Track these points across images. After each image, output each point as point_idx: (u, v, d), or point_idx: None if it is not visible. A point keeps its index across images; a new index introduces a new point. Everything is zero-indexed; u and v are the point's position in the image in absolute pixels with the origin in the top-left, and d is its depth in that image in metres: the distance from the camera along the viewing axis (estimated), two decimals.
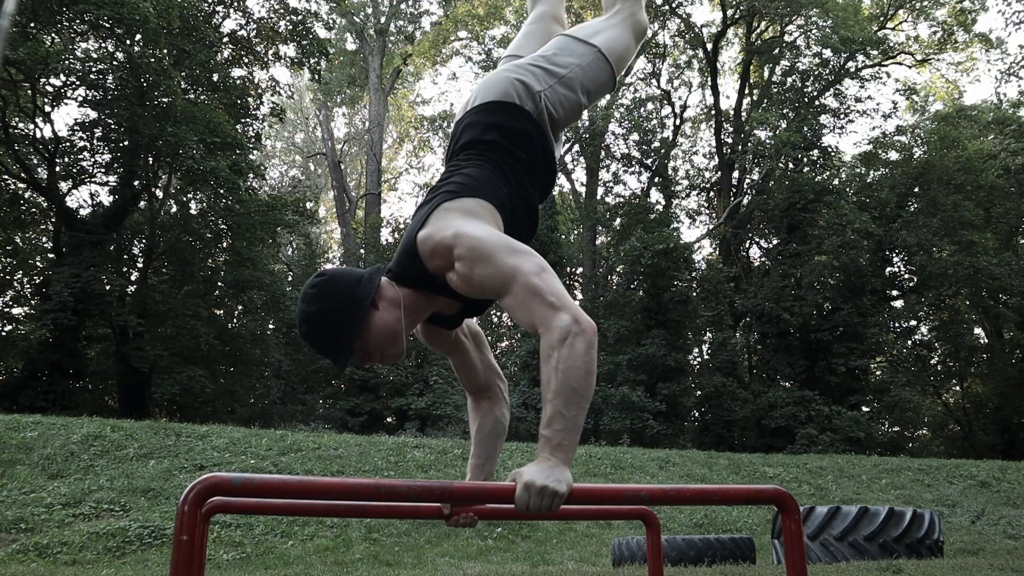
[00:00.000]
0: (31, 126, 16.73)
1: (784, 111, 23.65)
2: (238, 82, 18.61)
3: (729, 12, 24.03)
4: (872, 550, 5.55)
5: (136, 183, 17.19)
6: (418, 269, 1.69)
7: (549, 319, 1.52)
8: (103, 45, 16.24)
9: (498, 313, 29.88)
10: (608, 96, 26.11)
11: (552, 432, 1.49)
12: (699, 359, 23.73)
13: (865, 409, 20.23)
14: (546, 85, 1.96)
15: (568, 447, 1.49)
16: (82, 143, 16.81)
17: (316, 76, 20.74)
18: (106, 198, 17.50)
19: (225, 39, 18.92)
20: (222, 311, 20.22)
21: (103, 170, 17.31)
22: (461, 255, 1.61)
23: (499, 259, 1.59)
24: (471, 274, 1.61)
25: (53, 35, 16.07)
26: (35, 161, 17.22)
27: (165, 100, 15.63)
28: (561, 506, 1.46)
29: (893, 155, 23.84)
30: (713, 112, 25.05)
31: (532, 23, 2.36)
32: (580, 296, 24.40)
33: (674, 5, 24.20)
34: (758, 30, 24.99)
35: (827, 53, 23.46)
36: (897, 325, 23.45)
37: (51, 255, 17.66)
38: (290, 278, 23.61)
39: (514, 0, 25.69)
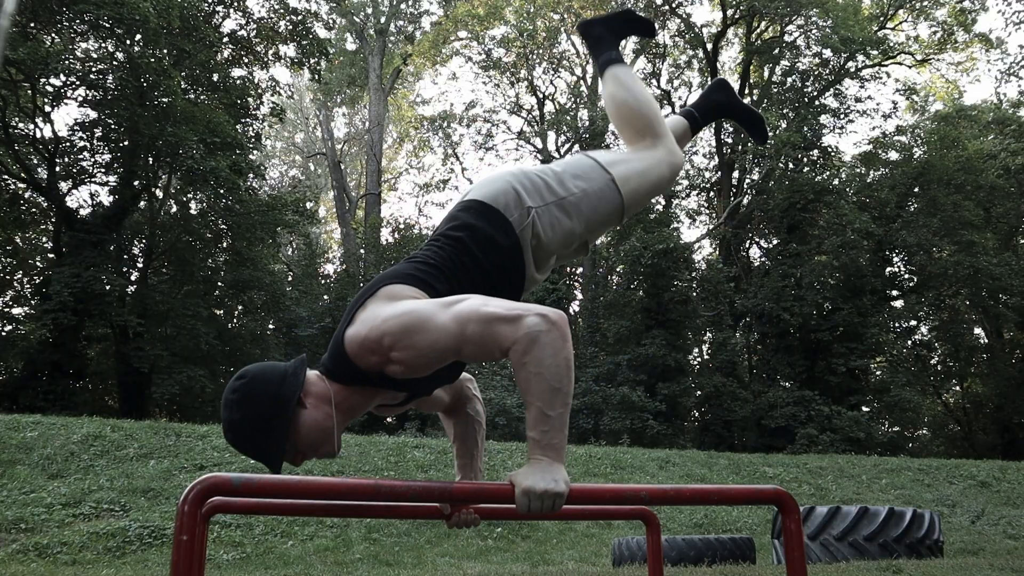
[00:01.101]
0: (31, 126, 16.74)
1: (784, 111, 23.65)
2: (238, 82, 18.61)
3: (729, 12, 24.03)
4: (872, 550, 5.55)
5: (136, 183, 17.19)
6: (350, 368, 1.58)
7: (512, 330, 1.48)
8: (103, 45, 16.24)
9: None
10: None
11: (540, 433, 1.48)
12: (699, 359, 23.73)
13: (865, 409, 20.22)
14: (541, 202, 1.82)
15: (559, 445, 1.49)
16: (82, 143, 16.82)
17: (316, 76, 20.74)
18: (106, 198, 17.52)
19: (225, 39, 18.92)
20: (222, 311, 20.21)
21: (103, 170, 17.32)
22: (394, 342, 1.51)
23: (436, 318, 1.51)
24: (416, 351, 1.52)
25: (53, 35, 16.07)
26: (35, 161, 17.23)
27: (165, 100, 15.63)
28: (559, 509, 1.46)
29: (893, 155, 23.84)
30: None
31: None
32: (580, 296, 24.41)
33: (674, 5, 24.20)
34: (758, 30, 24.99)
35: (827, 53, 23.46)
36: (897, 325, 23.44)
37: (51, 255, 17.67)
38: (290, 278, 23.62)
39: (514, 0, 25.70)
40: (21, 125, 16.95)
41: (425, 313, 1.52)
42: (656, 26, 2.28)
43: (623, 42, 2.34)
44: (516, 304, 1.53)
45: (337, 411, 1.61)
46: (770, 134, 22.67)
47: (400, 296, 1.61)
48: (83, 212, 17.34)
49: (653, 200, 25.20)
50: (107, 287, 15.17)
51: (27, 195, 17.95)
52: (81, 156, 17.01)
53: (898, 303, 23.41)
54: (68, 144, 16.77)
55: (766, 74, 25.61)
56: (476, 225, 1.77)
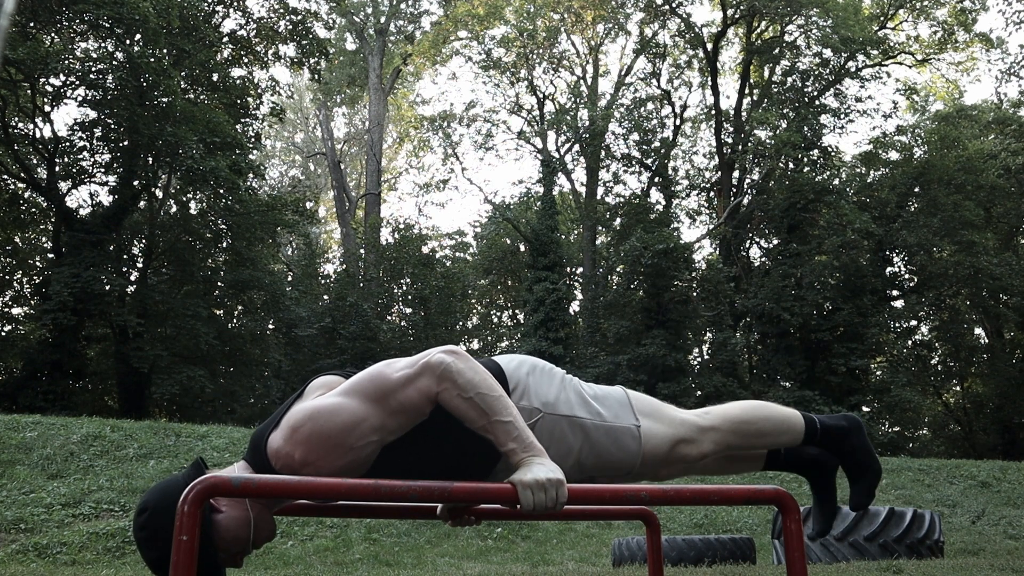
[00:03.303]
0: (31, 126, 16.74)
1: (784, 111, 23.64)
2: (238, 82, 18.62)
3: (729, 12, 24.02)
4: (872, 550, 5.55)
5: (136, 183, 17.19)
6: (269, 471, 1.52)
7: (430, 379, 1.48)
8: (103, 45, 16.23)
9: (497, 313, 29.89)
10: (607, 98, 26.04)
11: (514, 440, 1.48)
12: (699, 359, 23.73)
13: (865, 409, 20.22)
14: (554, 411, 1.71)
15: (530, 441, 1.49)
16: (82, 143, 16.82)
17: (316, 76, 20.74)
18: (106, 198, 17.52)
19: (225, 39, 18.92)
20: (222, 311, 20.21)
21: (103, 170, 17.32)
22: (305, 455, 1.47)
23: (347, 409, 1.48)
24: (336, 455, 1.47)
25: (53, 35, 16.07)
26: (35, 161, 17.23)
27: (165, 100, 15.63)
28: (565, 500, 1.46)
29: (893, 155, 23.84)
30: (713, 112, 25.04)
31: None
32: (580, 296, 24.41)
33: (674, 5, 24.19)
34: (758, 30, 24.98)
35: (827, 53, 23.45)
36: (897, 325, 23.44)
37: (51, 255, 17.67)
38: (290, 278, 23.61)
39: (514, 0, 25.69)
40: (21, 125, 16.95)
41: (335, 408, 1.49)
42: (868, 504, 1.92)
43: (832, 449, 2.01)
44: (412, 359, 1.54)
45: (254, 501, 1.54)
46: (770, 134, 22.82)
47: (323, 387, 1.59)
48: (83, 212, 17.35)
49: (653, 199, 25.11)
50: (107, 287, 15.17)
51: (27, 195, 17.95)
52: (81, 156, 17.01)
53: (898, 303, 23.41)
54: (68, 144, 16.77)
55: (766, 74, 25.60)
56: None
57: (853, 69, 23.85)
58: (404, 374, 1.51)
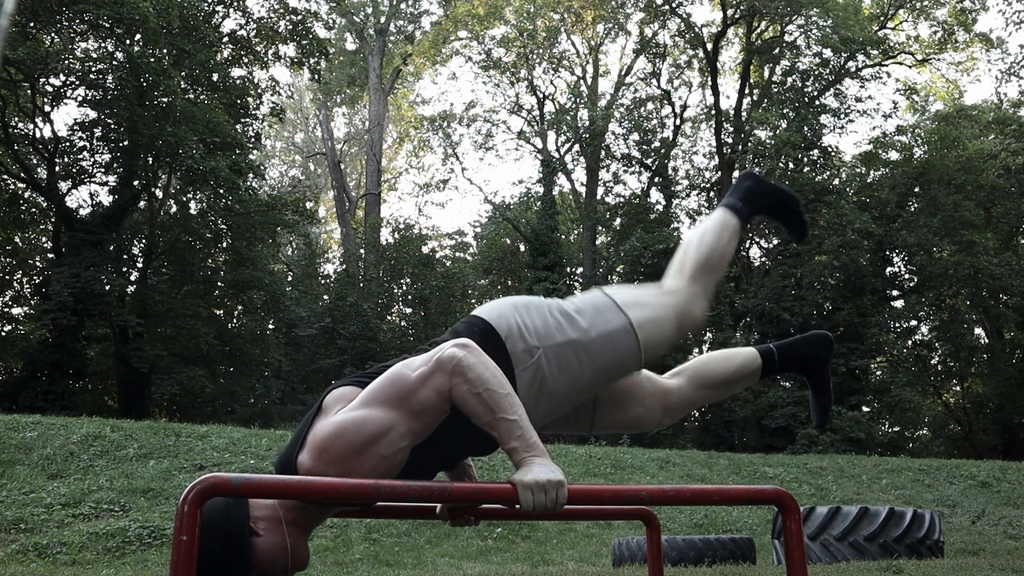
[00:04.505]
0: (31, 126, 16.74)
1: (784, 111, 23.64)
2: (238, 82, 18.61)
3: (729, 12, 24.02)
4: (872, 550, 5.55)
5: (136, 183, 17.19)
6: None
7: (443, 375, 1.49)
8: (103, 45, 16.24)
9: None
10: (607, 98, 26.02)
11: (517, 439, 1.49)
12: None
13: (865, 409, 20.22)
14: (551, 342, 1.72)
15: (534, 442, 1.50)
16: (82, 143, 16.82)
17: (316, 76, 20.74)
18: (106, 198, 17.52)
19: (225, 39, 18.93)
20: (222, 311, 20.22)
21: (103, 170, 17.32)
22: (341, 471, 1.47)
23: (370, 422, 1.49)
24: (371, 464, 1.49)
25: (53, 35, 16.08)
26: (35, 161, 17.23)
27: (165, 100, 15.63)
28: (565, 501, 1.46)
29: (893, 155, 23.84)
30: (713, 112, 25.04)
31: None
32: None
33: (674, 5, 24.19)
34: (758, 30, 24.98)
35: (827, 53, 23.45)
36: (897, 325, 23.43)
37: (51, 255, 17.67)
38: (290, 278, 23.61)
39: (514, 0, 25.69)
40: (21, 125, 16.95)
41: (361, 420, 1.49)
42: (808, 230, 2.11)
43: (761, 215, 2.22)
44: (427, 355, 1.54)
45: (292, 527, 1.56)
46: (770, 134, 22.83)
47: (342, 400, 1.58)
48: (83, 212, 17.35)
49: (653, 199, 25.12)
50: (107, 287, 15.17)
51: (27, 195, 17.95)
52: (81, 156, 17.01)
53: (898, 303, 23.41)
54: (68, 144, 16.77)
55: (766, 74, 25.60)
56: None
57: (853, 69, 23.86)
58: (420, 373, 1.52)
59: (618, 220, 24.86)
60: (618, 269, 23.37)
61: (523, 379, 1.71)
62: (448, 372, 1.49)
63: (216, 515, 1.49)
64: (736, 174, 24.45)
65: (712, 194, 25.87)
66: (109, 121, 16.29)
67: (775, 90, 25.06)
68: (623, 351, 1.79)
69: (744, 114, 24.69)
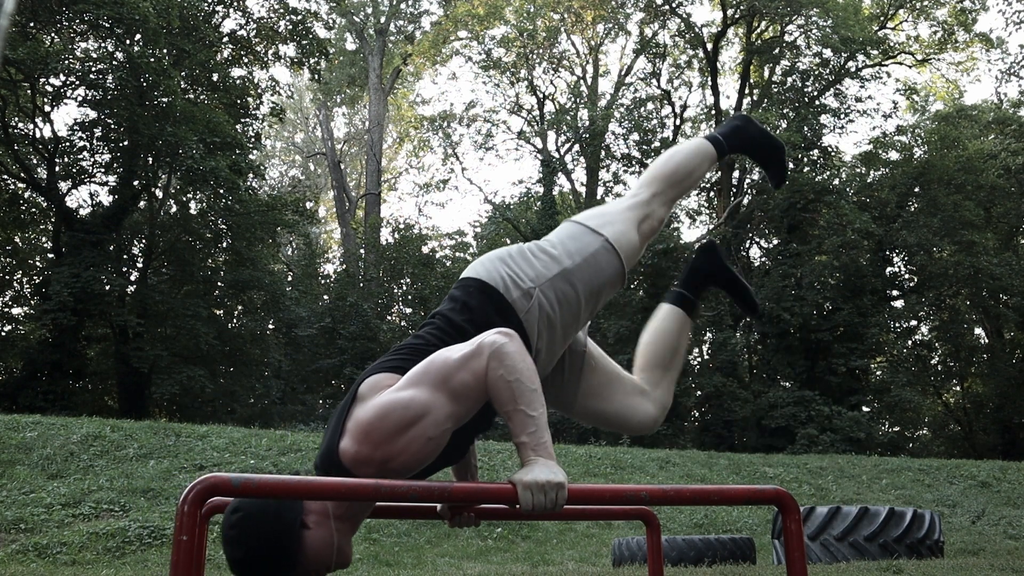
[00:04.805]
0: (31, 126, 16.74)
1: (784, 111, 23.64)
2: (238, 82, 18.61)
3: (729, 12, 24.01)
4: (872, 550, 5.55)
5: (136, 183, 17.19)
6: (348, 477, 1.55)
7: (481, 359, 1.51)
8: (103, 45, 16.24)
9: None
10: (607, 98, 26.01)
11: (528, 436, 1.50)
12: (699, 359, 23.72)
13: (865, 409, 20.21)
14: (543, 280, 1.78)
15: (546, 443, 1.51)
16: (82, 143, 16.82)
17: (316, 76, 20.74)
18: (106, 198, 17.52)
19: (225, 39, 18.92)
20: (222, 311, 20.22)
21: (103, 170, 17.32)
22: (388, 452, 1.49)
23: (418, 401, 1.50)
24: (412, 452, 1.50)
25: (53, 35, 16.07)
26: (35, 161, 17.23)
27: (165, 100, 15.63)
28: (564, 503, 1.46)
29: (893, 155, 23.83)
30: (713, 112, 25.03)
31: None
32: None
33: (674, 5, 24.19)
34: (758, 30, 24.98)
35: (827, 53, 23.44)
36: (897, 325, 23.42)
37: (51, 255, 17.67)
38: (290, 278, 23.61)
39: (514, 0, 25.69)
40: (21, 125, 16.96)
41: (406, 402, 1.50)
42: (786, 177, 2.20)
43: (742, 150, 2.27)
44: (469, 341, 1.56)
45: (340, 522, 1.57)
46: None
47: (379, 387, 1.58)
48: (83, 212, 17.35)
49: None
50: (107, 287, 15.17)
51: (27, 195, 17.95)
52: (81, 156, 17.01)
53: (898, 303, 23.41)
54: (68, 144, 16.77)
55: (766, 74, 25.60)
56: (475, 307, 1.75)
57: (853, 69, 23.85)
58: (462, 355, 1.53)
59: None
60: None
61: (530, 323, 1.75)
62: (487, 356, 1.51)
63: (269, 505, 1.50)
64: (736, 175, 24.54)
65: (712, 194, 25.87)
66: (109, 121, 16.29)
67: (775, 90, 25.06)
68: (608, 269, 1.86)
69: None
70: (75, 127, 16.53)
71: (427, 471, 1.66)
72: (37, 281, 18.09)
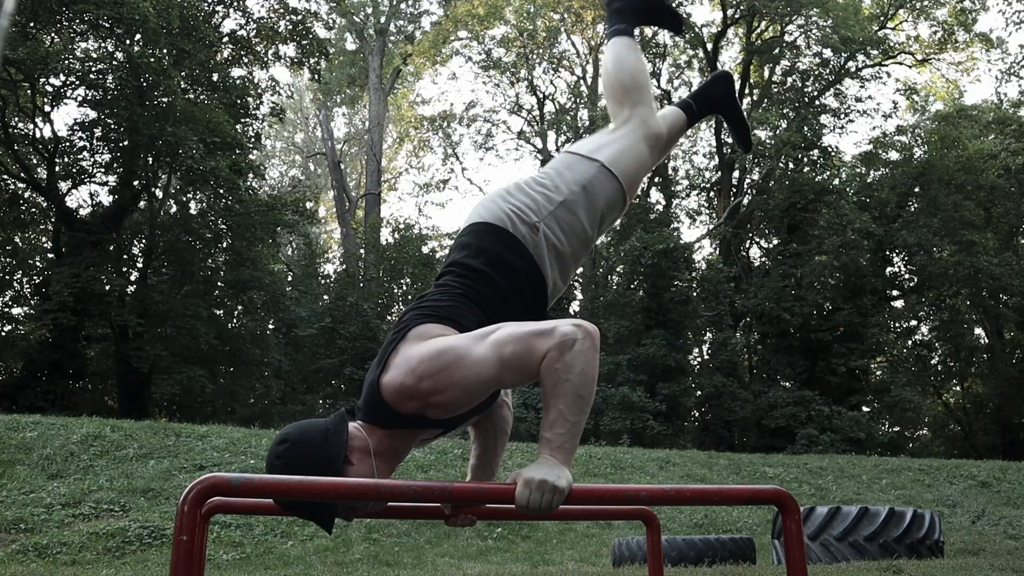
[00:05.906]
0: (31, 126, 16.74)
1: (784, 111, 23.64)
2: (238, 82, 18.62)
3: (729, 12, 24.03)
4: (872, 550, 5.55)
5: (136, 183, 17.19)
6: (389, 414, 1.57)
7: (547, 340, 1.50)
8: (103, 45, 16.25)
9: None
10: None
11: (554, 435, 1.49)
12: (699, 359, 23.72)
13: (865, 409, 20.21)
14: (546, 212, 1.80)
15: (569, 449, 1.50)
16: (82, 143, 16.82)
17: (316, 76, 20.74)
18: (106, 198, 17.53)
19: (225, 39, 18.93)
20: (222, 311, 20.21)
21: (103, 170, 17.32)
22: (433, 386, 1.51)
23: (472, 353, 1.51)
24: (456, 391, 1.52)
25: (53, 35, 16.08)
26: (35, 161, 17.23)
27: (165, 100, 15.64)
28: (561, 505, 1.46)
29: (893, 155, 23.83)
30: None
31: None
32: (580, 296, 24.39)
33: (674, 5, 24.19)
34: (758, 30, 24.99)
35: (827, 53, 23.45)
36: (897, 325, 23.42)
37: (51, 255, 17.67)
38: (290, 278, 23.61)
39: (514, 0, 25.69)
40: (21, 125, 16.96)
41: (461, 349, 1.52)
42: (682, 23, 2.24)
43: (641, 26, 2.28)
44: (549, 321, 1.55)
45: (380, 460, 1.59)
46: (770, 134, 22.80)
47: (431, 335, 1.59)
48: (83, 212, 17.36)
49: (652, 199, 25.16)
50: (107, 287, 15.16)
51: (27, 195, 17.96)
52: (81, 156, 17.01)
53: (898, 303, 23.41)
54: (68, 144, 16.77)
55: (766, 74, 25.61)
56: (488, 248, 1.76)
57: (853, 69, 23.86)
58: (532, 329, 1.53)
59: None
60: (618, 269, 23.36)
61: (540, 256, 1.77)
62: (553, 342, 1.49)
63: (315, 438, 1.53)
64: (736, 175, 24.53)
65: (712, 194, 25.87)
66: (109, 121, 16.29)
67: (775, 90, 25.07)
68: (608, 191, 1.87)
69: (744, 114, 24.69)
70: (75, 127, 16.53)
71: (462, 417, 1.68)
72: (37, 281, 18.09)
